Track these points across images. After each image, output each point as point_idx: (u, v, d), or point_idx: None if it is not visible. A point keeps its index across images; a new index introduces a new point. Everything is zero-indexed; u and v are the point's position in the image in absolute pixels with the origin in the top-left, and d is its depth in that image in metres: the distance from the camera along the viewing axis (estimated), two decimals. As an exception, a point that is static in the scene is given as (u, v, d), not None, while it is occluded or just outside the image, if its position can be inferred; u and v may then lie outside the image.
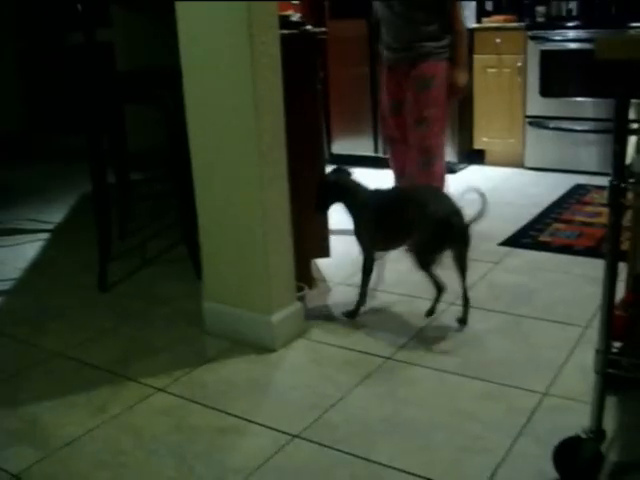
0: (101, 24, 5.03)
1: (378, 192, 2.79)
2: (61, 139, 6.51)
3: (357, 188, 2.78)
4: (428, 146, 3.47)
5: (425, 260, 2.63)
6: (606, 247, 1.60)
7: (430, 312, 2.77)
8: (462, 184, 4.51)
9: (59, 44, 6.16)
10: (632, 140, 2.06)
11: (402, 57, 3.48)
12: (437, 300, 2.76)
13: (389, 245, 2.94)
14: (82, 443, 2.07)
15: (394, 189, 2.95)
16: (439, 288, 2.73)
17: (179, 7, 2.44)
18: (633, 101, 2.00)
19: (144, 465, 1.95)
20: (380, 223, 2.73)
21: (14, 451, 2.05)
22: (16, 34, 6.68)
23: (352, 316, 2.83)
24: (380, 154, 5.37)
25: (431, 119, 3.44)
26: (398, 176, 3.72)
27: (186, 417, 2.18)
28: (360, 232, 2.78)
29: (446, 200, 2.64)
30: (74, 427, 2.15)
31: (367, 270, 2.81)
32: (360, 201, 2.75)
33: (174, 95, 2.78)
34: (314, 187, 2.79)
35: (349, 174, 2.82)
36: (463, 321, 2.71)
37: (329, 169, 2.90)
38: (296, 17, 2.73)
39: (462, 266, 2.66)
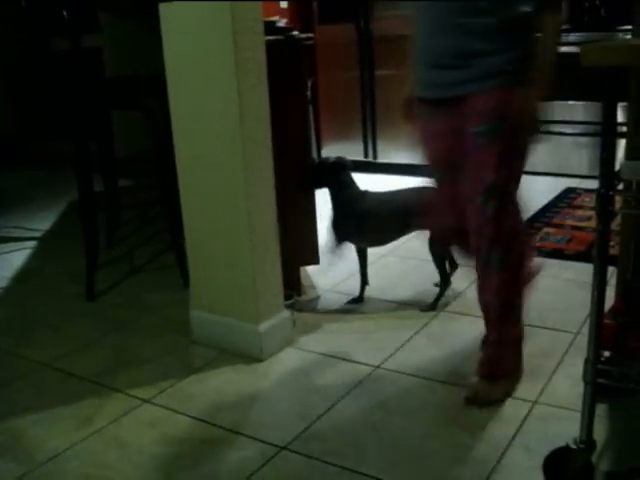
0: (91, 29, 5.00)
1: (370, 193, 2.85)
2: (50, 145, 6.47)
3: (351, 180, 2.83)
4: (501, 233, 2.05)
5: (443, 247, 2.78)
6: (594, 256, 1.58)
7: (433, 307, 2.84)
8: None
9: (48, 49, 6.13)
10: (622, 143, 2.05)
11: (445, 81, 2.04)
12: (441, 293, 2.86)
13: (372, 242, 2.97)
14: (67, 457, 2.04)
15: (388, 191, 2.92)
16: (446, 282, 2.86)
17: (163, 13, 2.42)
18: (623, 104, 1.99)
19: (129, 479, 1.92)
20: (371, 220, 2.79)
21: (-3, 466, 2.02)
22: (5, 39, 6.64)
23: (358, 301, 2.95)
24: (370, 159, 5.36)
25: (502, 188, 2.01)
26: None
27: (173, 429, 2.15)
28: (339, 224, 2.83)
29: None
30: (59, 441, 2.12)
31: (334, 250, 2.88)
32: (351, 194, 2.80)
33: (161, 102, 2.75)
34: (301, 196, 2.78)
35: (347, 166, 2.85)
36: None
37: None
38: (282, 23, 2.71)
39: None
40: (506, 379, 2.20)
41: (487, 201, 1.99)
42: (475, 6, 1.92)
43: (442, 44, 2.00)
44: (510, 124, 1.93)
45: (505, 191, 2.02)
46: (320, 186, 2.86)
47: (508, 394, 2.18)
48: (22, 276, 3.61)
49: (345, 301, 2.97)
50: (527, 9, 1.93)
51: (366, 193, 2.84)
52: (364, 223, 2.79)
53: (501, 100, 1.94)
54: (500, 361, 2.20)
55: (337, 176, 2.81)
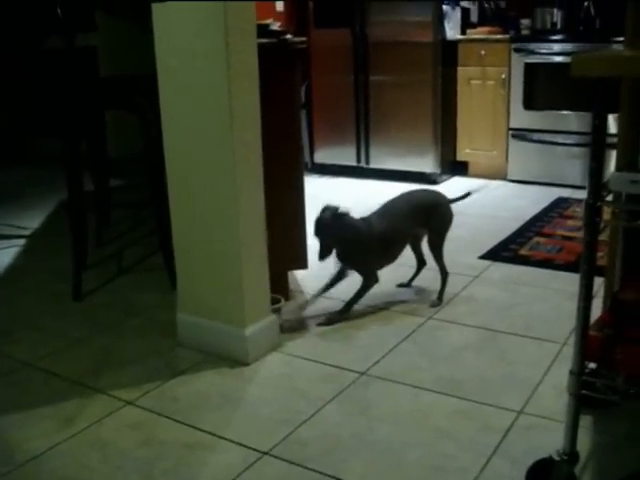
0: (86, 28, 4.98)
1: (372, 218, 2.85)
2: (41, 143, 6.44)
3: (354, 222, 2.79)
4: None
5: (442, 246, 2.94)
6: (581, 267, 1.57)
7: (439, 300, 2.95)
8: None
9: (41, 47, 6.10)
10: (613, 154, 2.04)
11: None
12: (444, 286, 2.98)
13: (391, 260, 2.96)
14: (47, 458, 2.02)
15: (385, 209, 2.90)
16: (446, 274, 2.98)
17: (155, 13, 2.41)
18: (615, 115, 1.99)
19: (109, 482, 1.91)
20: (387, 244, 2.84)
21: (-24, 466, 2.00)
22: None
23: (330, 324, 2.84)
24: (362, 164, 5.36)
25: None
26: None
27: (155, 432, 2.13)
28: (367, 262, 2.84)
29: (434, 192, 3.03)
30: (40, 441, 2.10)
31: (366, 289, 2.87)
32: (363, 233, 2.78)
33: (152, 102, 2.74)
34: (291, 200, 2.77)
35: (338, 210, 2.75)
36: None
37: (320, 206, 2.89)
38: (275, 26, 2.70)
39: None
40: None
41: None
42: None
43: None
44: None
45: None
46: (334, 246, 2.75)
47: None
48: (9, 274, 3.59)
49: (332, 307, 2.95)
50: None
51: (371, 219, 2.83)
52: (388, 242, 2.85)
53: None
54: None
55: (342, 228, 2.73)
